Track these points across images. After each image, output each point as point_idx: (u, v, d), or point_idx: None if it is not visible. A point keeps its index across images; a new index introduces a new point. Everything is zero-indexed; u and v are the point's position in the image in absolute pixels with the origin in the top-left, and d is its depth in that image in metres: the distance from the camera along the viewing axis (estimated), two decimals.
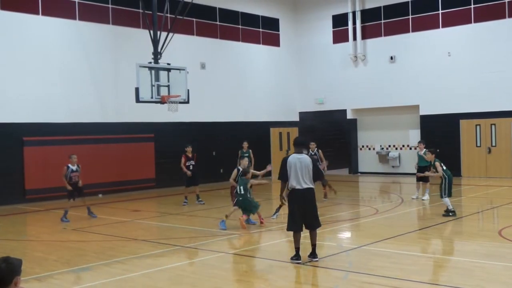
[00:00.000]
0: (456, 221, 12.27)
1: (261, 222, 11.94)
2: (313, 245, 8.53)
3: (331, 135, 26.60)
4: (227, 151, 21.78)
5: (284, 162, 8.54)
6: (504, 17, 21.02)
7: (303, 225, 8.53)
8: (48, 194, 17.37)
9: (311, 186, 8.43)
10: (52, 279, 8.08)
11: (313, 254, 8.49)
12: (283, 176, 8.51)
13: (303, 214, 8.44)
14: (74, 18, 18.52)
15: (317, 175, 8.52)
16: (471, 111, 21.76)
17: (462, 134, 22.18)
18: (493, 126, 21.50)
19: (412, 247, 9.76)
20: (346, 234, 11.37)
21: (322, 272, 8.13)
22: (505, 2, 20.95)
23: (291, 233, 8.62)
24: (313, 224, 8.53)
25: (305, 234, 8.67)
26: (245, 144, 18.15)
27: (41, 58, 17.62)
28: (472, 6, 21.68)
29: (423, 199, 15.34)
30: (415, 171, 16.00)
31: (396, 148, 24.36)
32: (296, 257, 8.47)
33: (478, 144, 21.86)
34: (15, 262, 3.81)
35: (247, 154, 17.81)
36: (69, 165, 13.77)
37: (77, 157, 13.93)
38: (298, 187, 8.35)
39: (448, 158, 22.32)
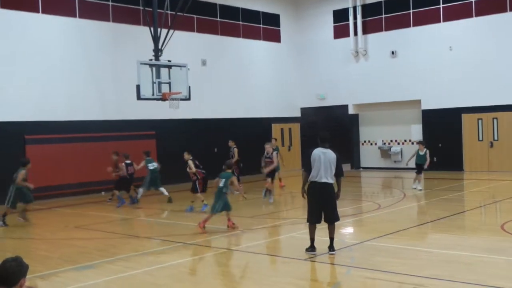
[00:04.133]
0: (458, 216, 12.27)
1: (230, 226, 11.06)
2: (331, 239, 8.66)
3: (333, 131, 26.52)
4: (228, 148, 21.73)
5: (309, 154, 8.62)
6: (505, 10, 20.94)
7: (322, 218, 8.66)
8: (50, 192, 17.41)
9: (331, 181, 8.52)
10: (55, 277, 8.10)
11: (331, 247, 8.60)
12: (307, 166, 8.58)
13: (322, 208, 8.57)
14: (75, 16, 18.50)
15: (340, 171, 8.62)
16: (473, 105, 21.72)
17: (464, 129, 22.14)
18: (495, 120, 21.46)
19: (415, 242, 9.75)
20: (349, 230, 11.36)
21: (325, 267, 8.13)
22: None
23: (293, 229, 8.63)
24: (331, 218, 8.65)
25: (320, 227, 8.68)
26: (273, 141, 19.05)
27: (41, 56, 17.62)
28: None
29: (420, 189, 16.68)
30: (412, 166, 17.48)
31: (398, 143, 24.33)
32: (311, 248, 8.60)
33: (480, 138, 21.82)
34: (24, 263, 3.80)
35: (276, 150, 18.30)
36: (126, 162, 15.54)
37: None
38: (317, 180, 8.46)
39: (450, 152, 22.44)
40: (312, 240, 8.64)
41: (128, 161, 15.88)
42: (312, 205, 8.64)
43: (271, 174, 15.30)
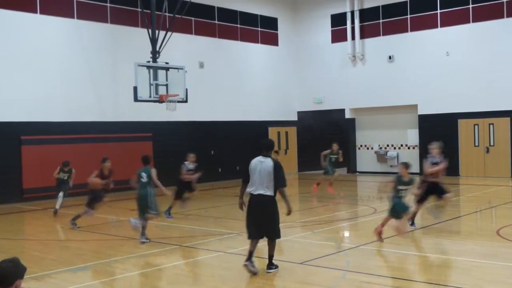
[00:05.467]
0: (455, 221, 12.28)
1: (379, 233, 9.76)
2: (270, 256, 7.96)
3: (330, 135, 26.57)
4: (225, 150, 21.77)
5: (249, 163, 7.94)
6: (502, 16, 21.04)
7: (261, 233, 7.89)
8: (46, 193, 17.32)
9: (268, 193, 7.65)
10: (50, 278, 8.06)
11: (269, 266, 7.94)
12: (245, 177, 7.85)
13: (258, 223, 7.74)
14: (73, 17, 18.48)
15: (279, 182, 7.69)
16: (469, 110, 21.77)
17: (460, 134, 22.19)
18: (491, 126, 21.52)
19: (410, 246, 9.76)
20: (344, 234, 11.36)
21: (321, 271, 8.12)
22: (503, 2, 20.95)
23: (289, 232, 8.60)
24: (269, 234, 7.89)
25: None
26: (335, 146, 17.36)
27: (39, 56, 17.59)
28: (471, 5, 21.69)
29: None
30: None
31: (395, 148, 24.36)
32: (248, 260, 7.85)
33: (476, 144, 21.88)
34: (21, 265, 3.82)
35: (336, 155, 17.16)
36: (186, 163, 13.71)
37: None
38: (253, 192, 7.73)
39: (446, 157, 22.42)
40: (250, 252, 7.78)
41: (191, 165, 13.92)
42: (247, 219, 7.83)
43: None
